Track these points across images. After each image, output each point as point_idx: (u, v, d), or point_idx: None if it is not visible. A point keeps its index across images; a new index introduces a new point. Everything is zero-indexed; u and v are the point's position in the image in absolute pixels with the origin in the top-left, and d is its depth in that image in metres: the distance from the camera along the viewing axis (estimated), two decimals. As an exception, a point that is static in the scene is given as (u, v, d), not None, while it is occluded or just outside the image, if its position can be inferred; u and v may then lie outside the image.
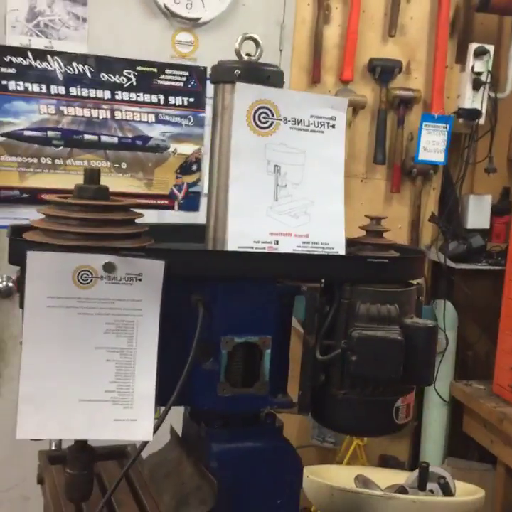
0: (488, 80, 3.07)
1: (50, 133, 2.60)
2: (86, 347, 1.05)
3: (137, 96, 2.68)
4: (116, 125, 2.67)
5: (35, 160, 2.59)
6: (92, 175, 1.13)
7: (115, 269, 1.04)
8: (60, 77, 2.58)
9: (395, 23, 3.04)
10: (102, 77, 2.63)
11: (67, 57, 2.59)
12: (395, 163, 3.14)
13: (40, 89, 2.57)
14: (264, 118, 1.20)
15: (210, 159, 1.25)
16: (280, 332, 1.20)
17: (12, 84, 2.53)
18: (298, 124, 1.22)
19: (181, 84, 2.73)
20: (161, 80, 2.70)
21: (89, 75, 2.61)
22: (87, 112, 2.63)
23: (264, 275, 1.17)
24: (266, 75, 1.21)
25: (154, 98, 2.70)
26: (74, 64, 2.59)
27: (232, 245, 1.18)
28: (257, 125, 1.19)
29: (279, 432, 1.26)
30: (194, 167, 2.80)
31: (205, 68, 2.72)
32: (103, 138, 2.66)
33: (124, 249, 1.07)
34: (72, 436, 1.09)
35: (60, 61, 2.58)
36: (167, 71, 2.71)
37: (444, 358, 3.11)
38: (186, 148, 2.78)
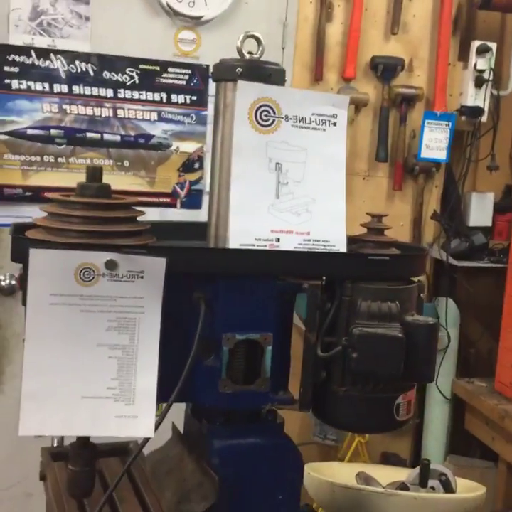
0: (491, 78, 3.07)
1: (52, 131, 2.61)
2: (88, 344, 1.06)
3: (140, 94, 2.68)
4: (118, 123, 2.68)
5: (38, 158, 2.60)
6: (94, 173, 1.13)
7: (117, 266, 1.05)
8: (63, 76, 2.59)
9: (398, 21, 3.04)
10: (104, 75, 2.63)
11: (70, 56, 2.59)
12: (397, 161, 3.14)
13: (43, 87, 2.57)
14: (265, 116, 1.20)
15: (212, 157, 1.26)
16: (281, 329, 1.21)
17: (15, 83, 2.54)
18: (299, 121, 1.23)
19: (184, 82, 2.73)
20: (164, 78, 2.71)
21: (91, 73, 2.62)
22: (89, 111, 2.64)
23: (265, 272, 1.18)
24: (267, 73, 1.21)
25: (157, 96, 2.70)
26: (77, 62, 2.60)
27: (233, 243, 1.18)
28: (258, 123, 1.20)
29: (280, 429, 1.27)
30: (196, 165, 2.80)
31: (207, 66, 2.72)
32: (106, 136, 2.67)
33: (125, 246, 1.07)
34: (74, 432, 1.09)
35: (62, 60, 2.58)
36: (169, 69, 2.71)
37: (446, 356, 3.12)
38: (189, 147, 2.78)
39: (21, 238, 1.10)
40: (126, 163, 2.70)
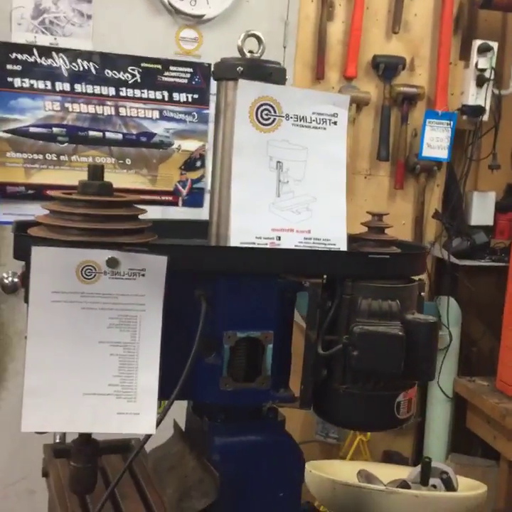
0: (492, 77, 3.07)
1: (55, 129, 2.61)
2: (90, 341, 1.06)
3: (141, 92, 2.69)
4: (120, 121, 2.68)
5: (41, 156, 2.60)
6: (96, 171, 1.14)
7: (118, 264, 1.05)
8: (65, 74, 2.59)
9: (399, 20, 3.04)
10: (106, 73, 2.64)
11: (72, 54, 2.60)
12: (398, 160, 3.15)
13: (46, 86, 2.58)
14: (266, 115, 1.20)
15: (213, 156, 1.26)
16: (282, 327, 1.21)
17: (18, 81, 2.54)
18: (300, 120, 1.23)
19: (185, 80, 2.74)
20: (165, 76, 2.71)
21: (93, 71, 2.62)
22: (91, 109, 2.64)
23: (266, 271, 1.18)
24: (268, 72, 1.21)
25: (158, 95, 2.71)
26: (79, 61, 2.60)
27: (234, 241, 1.19)
28: (259, 122, 1.20)
29: (281, 426, 1.27)
30: (198, 163, 2.81)
31: (209, 65, 2.73)
32: (108, 134, 2.67)
33: (127, 244, 1.08)
34: (77, 429, 1.10)
35: (65, 58, 2.59)
36: (171, 68, 2.72)
37: (447, 355, 3.12)
38: (190, 145, 2.78)
39: (23, 236, 1.11)
40: (128, 162, 2.71)
